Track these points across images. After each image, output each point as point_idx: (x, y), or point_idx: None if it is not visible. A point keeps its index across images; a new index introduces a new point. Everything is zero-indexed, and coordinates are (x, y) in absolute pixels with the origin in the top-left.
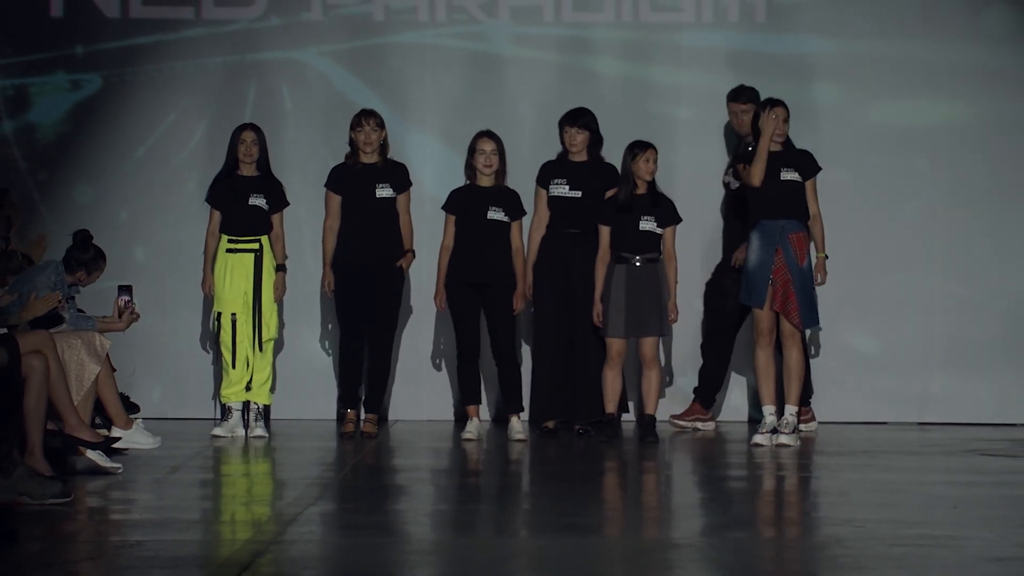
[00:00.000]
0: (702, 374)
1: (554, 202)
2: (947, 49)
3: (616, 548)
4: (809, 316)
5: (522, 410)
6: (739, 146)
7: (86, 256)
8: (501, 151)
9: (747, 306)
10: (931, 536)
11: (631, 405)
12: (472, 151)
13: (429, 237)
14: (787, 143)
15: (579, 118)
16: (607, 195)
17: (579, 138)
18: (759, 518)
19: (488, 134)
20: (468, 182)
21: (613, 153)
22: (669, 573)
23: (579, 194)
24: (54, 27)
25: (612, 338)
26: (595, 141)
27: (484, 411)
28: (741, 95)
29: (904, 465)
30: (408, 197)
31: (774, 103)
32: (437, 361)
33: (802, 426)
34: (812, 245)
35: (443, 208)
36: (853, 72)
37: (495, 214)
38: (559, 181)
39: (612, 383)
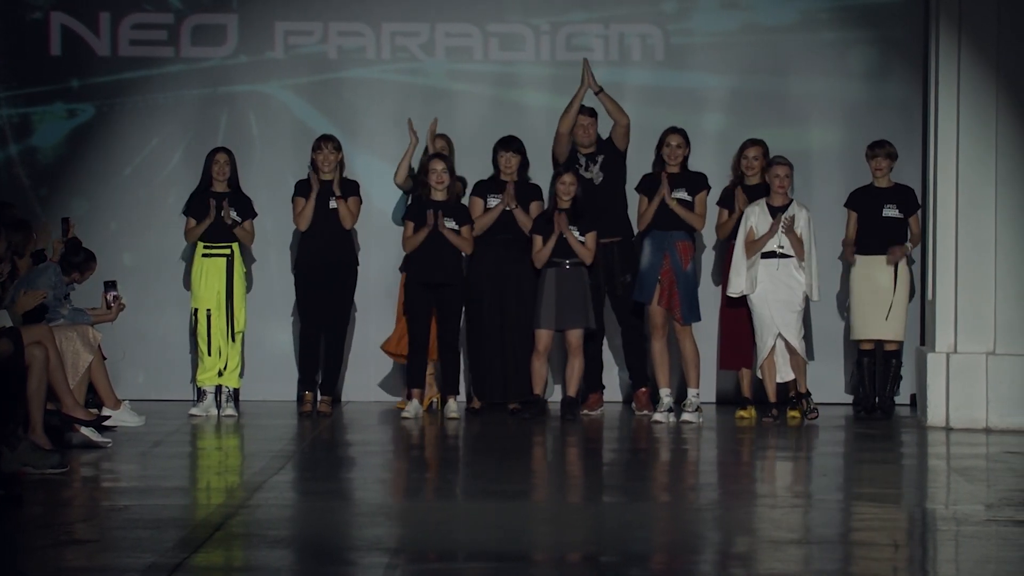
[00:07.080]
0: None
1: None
2: (816, 84)
3: (540, 510)
4: (690, 313)
5: (458, 393)
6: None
7: (78, 259)
8: (451, 169)
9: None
10: (801, 498)
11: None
12: (425, 171)
13: (376, 243)
14: (683, 165)
15: (512, 144)
16: (532, 208)
17: (513, 161)
18: (656, 484)
19: (439, 156)
20: (424, 197)
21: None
22: (583, 531)
23: (513, 207)
24: (53, 64)
25: (541, 330)
26: (523, 164)
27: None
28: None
29: (778, 439)
30: (359, 209)
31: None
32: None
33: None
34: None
35: (404, 218)
36: (737, 103)
37: (448, 223)
38: (496, 196)
39: (539, 369)
